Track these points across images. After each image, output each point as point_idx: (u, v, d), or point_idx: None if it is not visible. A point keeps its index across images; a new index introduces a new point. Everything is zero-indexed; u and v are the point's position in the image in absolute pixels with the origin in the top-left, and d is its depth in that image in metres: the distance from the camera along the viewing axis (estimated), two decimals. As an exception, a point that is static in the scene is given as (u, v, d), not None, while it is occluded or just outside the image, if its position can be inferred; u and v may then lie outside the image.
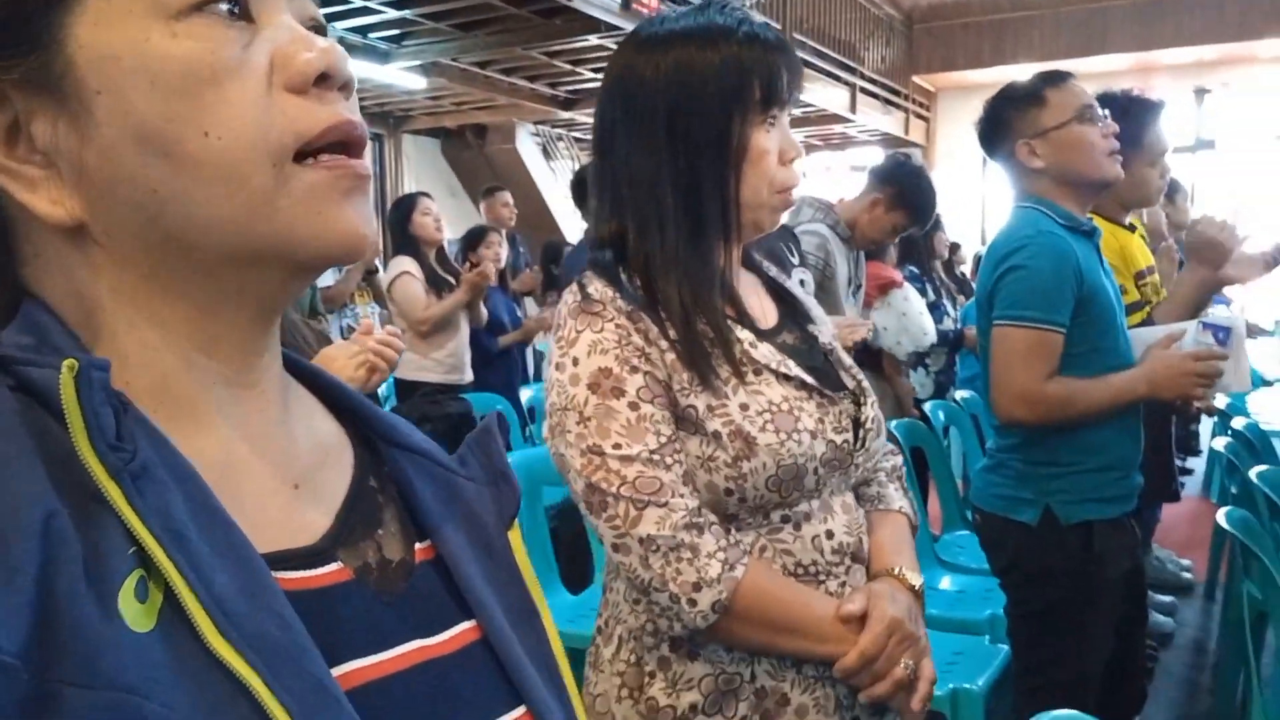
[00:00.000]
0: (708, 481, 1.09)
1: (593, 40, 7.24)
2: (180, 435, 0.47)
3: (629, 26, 6.86)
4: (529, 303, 6.00)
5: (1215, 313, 2.11)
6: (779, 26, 8.57)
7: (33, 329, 0.47)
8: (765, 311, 1.23)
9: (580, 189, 3.68)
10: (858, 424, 1.18)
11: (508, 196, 5.70)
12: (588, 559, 2.95)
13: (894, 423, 3.23)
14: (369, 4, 6.54)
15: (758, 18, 1.17)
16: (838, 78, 9.84)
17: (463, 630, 0.55)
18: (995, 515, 1.97)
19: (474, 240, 4.60)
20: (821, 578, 1.13)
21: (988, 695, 2.15)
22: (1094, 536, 1.88)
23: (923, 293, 4.34)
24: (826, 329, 1.27)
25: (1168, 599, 3.84)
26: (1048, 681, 1.90)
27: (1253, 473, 2.52)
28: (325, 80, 0.48)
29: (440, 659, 0.53)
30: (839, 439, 1.14)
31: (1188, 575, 4.20)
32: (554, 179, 10.72)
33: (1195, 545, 4.45)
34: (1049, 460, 1.91)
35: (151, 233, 0.47)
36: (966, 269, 7.34)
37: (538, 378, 5.61)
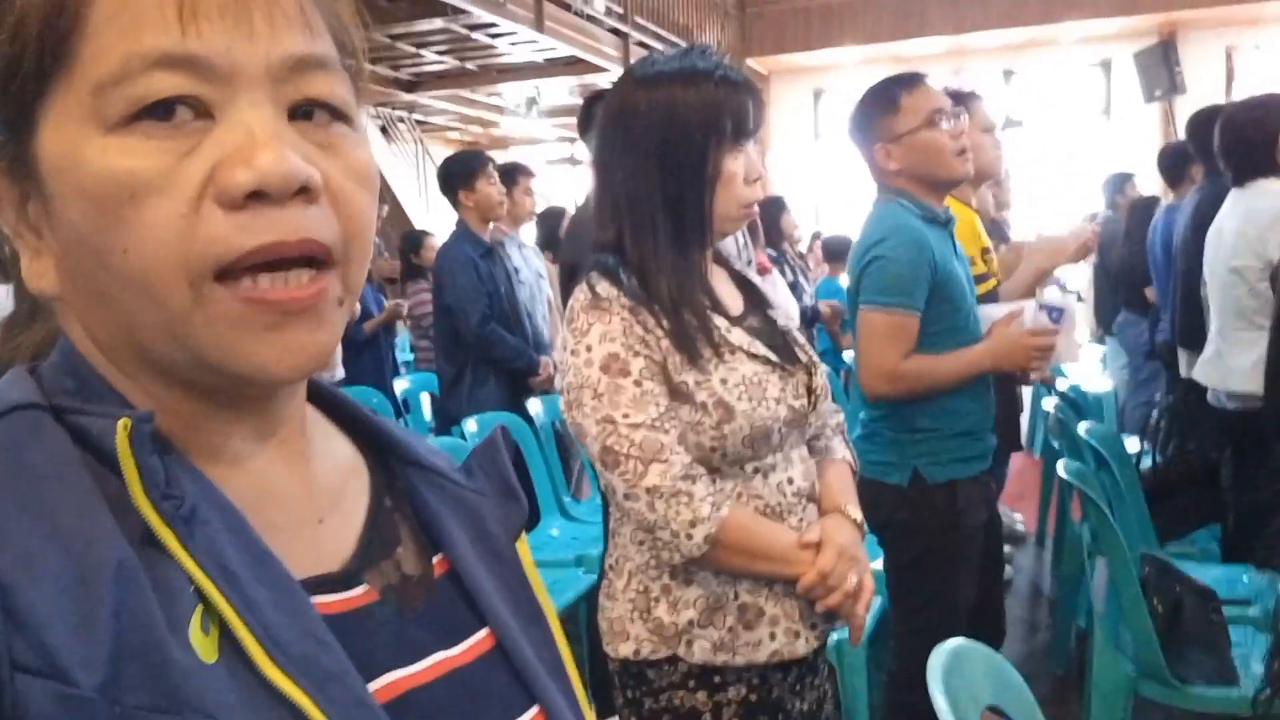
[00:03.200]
0: (696, 442, 1.35)
1: (438, 24, 7.18)
2: (212, 480, 0.50)
3: (475, 10, 6.85)
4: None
5: (1049, 294, 2.38)
6: (621, 10, 8.73)
7: (73, 371, 0.50)
8: (733, 300, 1.48)
9: (448, 179, 3.72)
10: (810, 391, 1.45)
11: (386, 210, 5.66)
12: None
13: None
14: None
15: (729, 61, 1.42)
16: (677, 61, 10.03)
17: (479, 639, 0.59)
18: (870, 479, 2.17)
19: None
20: (785, 515, 1.41)
21: (867, 644, 2.37)
22: (957, 493, 2.12)
23: (782, 273, 4.57)
24: (782, 313, 1.53)
25: (1004, 549, 4.22)
26: (923, 623, 2.13)
27: (1081, 428, 2.84)
28: (262, 195, 0.45)
29: (462, 668, 0.57)
30: (797, 404, 1.41)
31: (1020, 527, 4.62)
32: (395, 161, 10.53)
33: (1023, 498, 4.89)
34: (914, 428, 2.12)
35: (111, 325, 0.49)
36: (803, 247, 7.69)
37: (407, 369, 5.60)
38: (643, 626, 1.40)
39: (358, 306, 4.28)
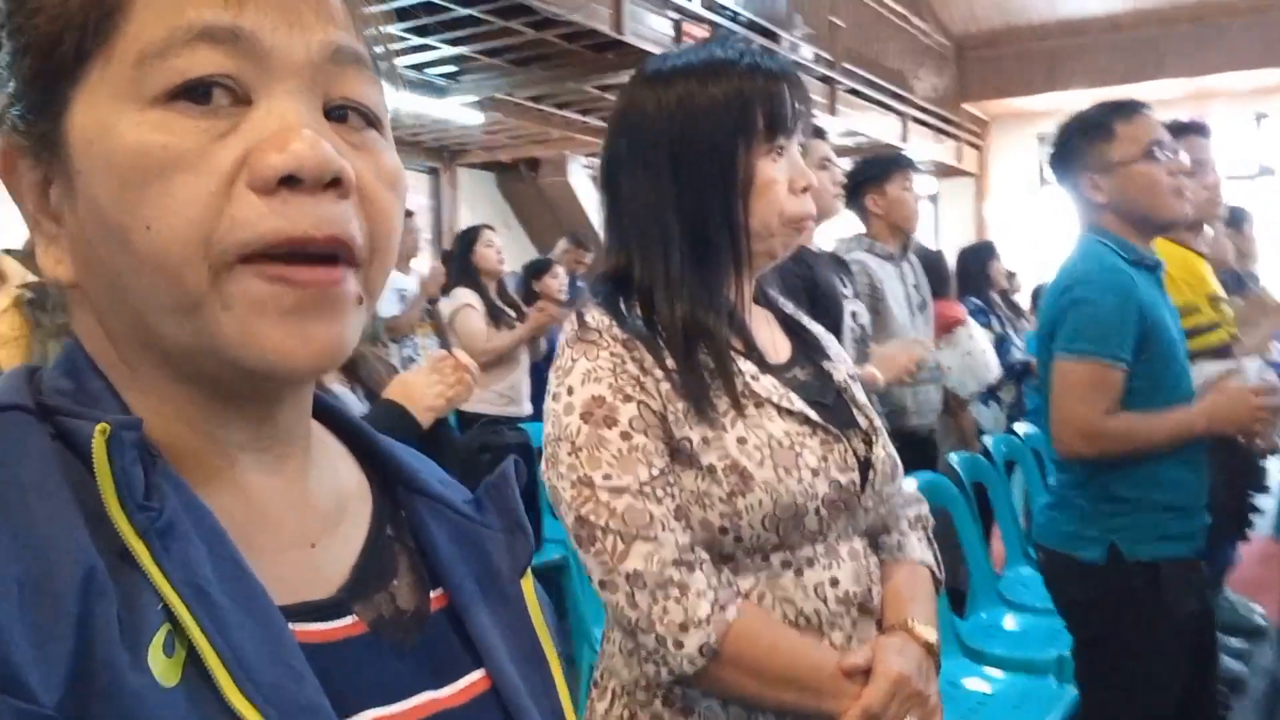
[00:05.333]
0: (702, 518, 1.05)
1: (645, 74, 7.32)
2: (200, 493, 0.48)
3: (681, 60, 6.95)
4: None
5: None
6: (830, 57, 8.62)
7: (72, 371, 0.49)
8: (777, 346, 1.20)
9: None
10: (868, 464, 1.13)
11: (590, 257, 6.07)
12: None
13: (953, 457, 3.20)
14: (428, 41, 6.68)
15: (758, 46, 1.17)
16: (888, 107, 9.82)
17: (473, 681, 0.56)
18: (1059, 553, 1.95)
19: (539, 271, 4.67)
20: (825, 629, 1.07)
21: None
22: (1160, 576, 1.85)
23: (987, 325, 4.29)
24: (843, 366, 1.24)
25: (1239, 643, 3.74)
26: (1118, 725, 1.87)
27: (1327, 511, 2.46)
28: (295, 182, 0.45)
29: (450, 710, 0.53)
30: (844, 478, 1.09)
31: (1260, 619, 4.08)
32: (600, 209, 10.81)
33: (1266, 587, 4.33)
34: (1113, 497, 1.88)
35: (124, 312, 0.48)
36: (1023, 298, 7.26)
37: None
38: None
39: (545, 346, 4.34)
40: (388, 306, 4.41)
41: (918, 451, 3.03)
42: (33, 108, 0.47)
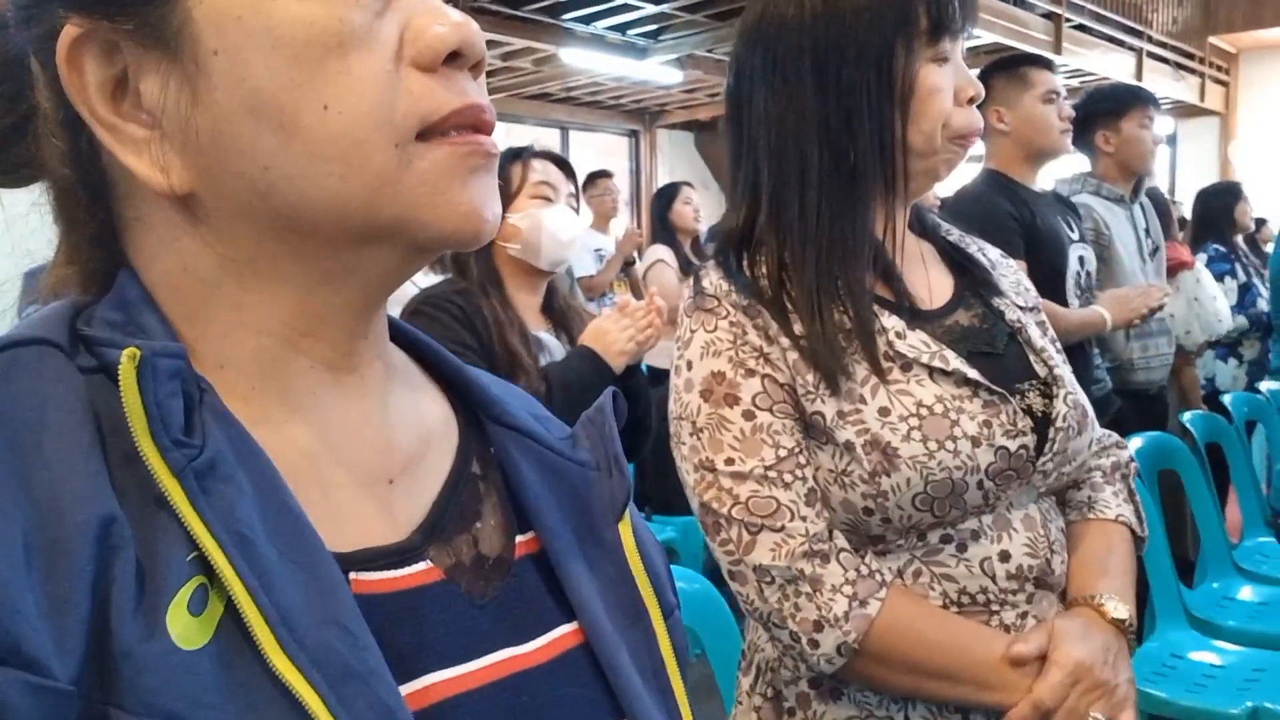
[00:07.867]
0: (844, 499, 0.94)
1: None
2: (272, 423, 0.45)
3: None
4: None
5: None
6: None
7: (123, 304, 0.45)
8: (934, 286, 1.05)
9: None
10: (1047, 420, 0.99)
11: None
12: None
13: (1186, 415, 2.94)
14: (629, 1, 6.70)
15: None
16: (1120, 42, 9.05)
17: (561, 635, 0.51)
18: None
19: (669, 199, 4.63)
20: (994, 608, 0.95)
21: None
22: None
23: (1231, 274, 3.91)
24: (1020, 300, 1.09)
25: None
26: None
27: None
28: (456, 59, 0.45)
29: (533, 669, 0.49)
30: (1013, 445, 0.95)
31: None
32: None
33: None
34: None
35: (261, 208, 0.44)
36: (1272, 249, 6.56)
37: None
38: None
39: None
40: (585, 266, 4.50)
41: (1146, 411, 2.81)
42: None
